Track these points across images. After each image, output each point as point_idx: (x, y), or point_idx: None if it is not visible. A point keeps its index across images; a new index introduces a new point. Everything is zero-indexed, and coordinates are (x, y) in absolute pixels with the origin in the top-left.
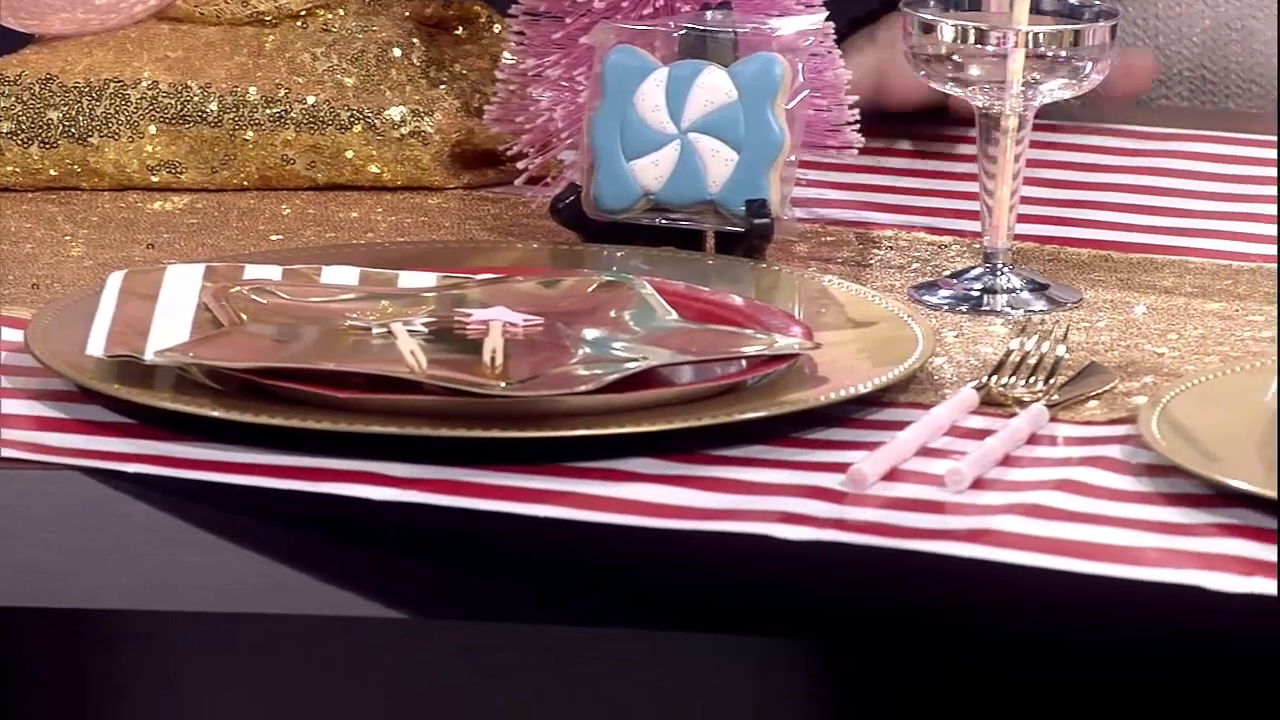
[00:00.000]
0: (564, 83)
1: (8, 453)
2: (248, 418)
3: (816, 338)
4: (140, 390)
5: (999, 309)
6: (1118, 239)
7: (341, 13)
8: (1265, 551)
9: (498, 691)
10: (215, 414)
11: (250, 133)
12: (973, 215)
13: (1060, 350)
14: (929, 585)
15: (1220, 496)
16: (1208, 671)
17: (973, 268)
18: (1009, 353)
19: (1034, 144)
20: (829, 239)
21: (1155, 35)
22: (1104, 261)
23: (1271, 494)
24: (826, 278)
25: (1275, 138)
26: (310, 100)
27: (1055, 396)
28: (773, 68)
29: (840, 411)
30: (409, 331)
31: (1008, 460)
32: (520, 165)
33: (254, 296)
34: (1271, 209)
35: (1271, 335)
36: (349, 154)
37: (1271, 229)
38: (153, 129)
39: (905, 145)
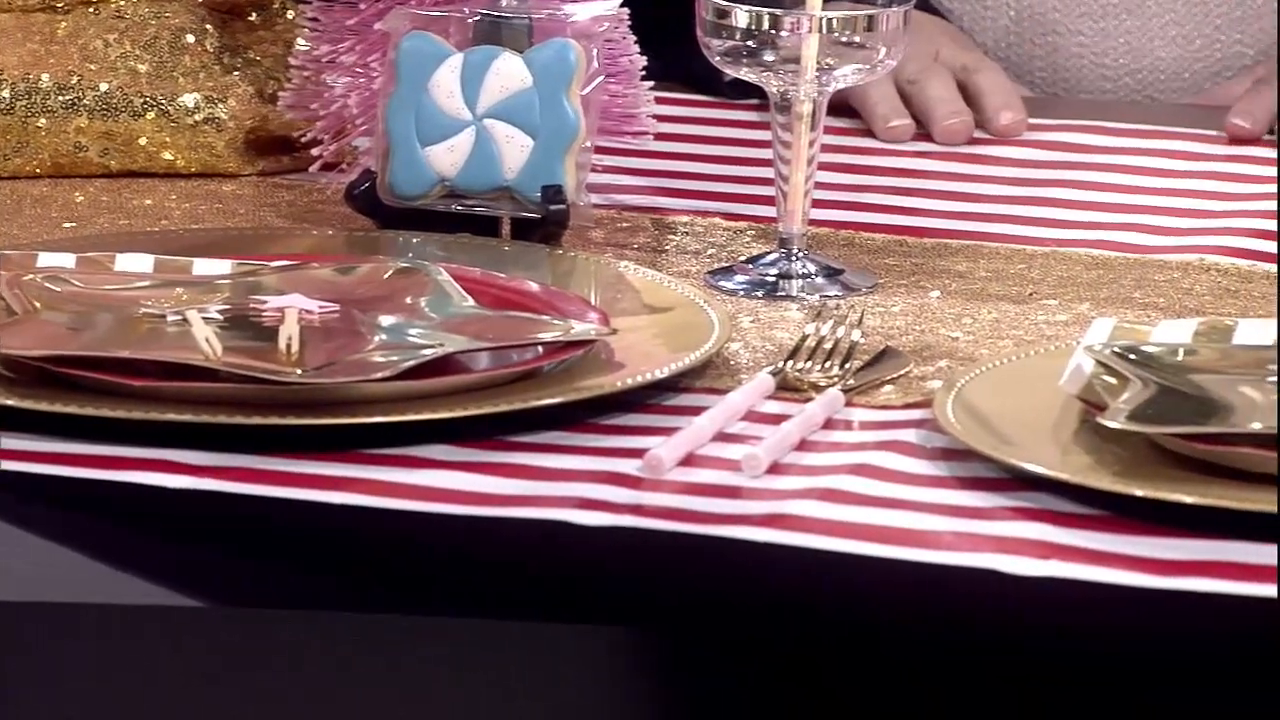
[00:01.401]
0: (359, 69)
1: None
2: (42, 406)
3: (613, 324)
4: None
5: (794, 294)
6: (912, 224)
7: None
8: (1060, 534)
9: (297, 680)
10: (9, 402)
11: (43, 120)
12: (768, 201)
13: (855, 335)
14: (726, 570)
15: (1015, 480)
16: (1003, 654)
17: (768, 253)
18: (804, 338)
19: (828, 129)
20: (625, 225)
21: (960, 19)
22: (898, 246)
23: (1065, 477)
24: (622, 263)
25: (1084, 122)
26: (103, 87)
27: (850, 381)
28: (567, 54)
29: (637, 397)
30: (204, 319)
31: (804, 445)
32: (315, 152)
33: (48, 284)
34: (1058, 192)
35: (1065, 319)
36: (142, 141)
37: (1059, 213)
38: None
39: (700, 131)
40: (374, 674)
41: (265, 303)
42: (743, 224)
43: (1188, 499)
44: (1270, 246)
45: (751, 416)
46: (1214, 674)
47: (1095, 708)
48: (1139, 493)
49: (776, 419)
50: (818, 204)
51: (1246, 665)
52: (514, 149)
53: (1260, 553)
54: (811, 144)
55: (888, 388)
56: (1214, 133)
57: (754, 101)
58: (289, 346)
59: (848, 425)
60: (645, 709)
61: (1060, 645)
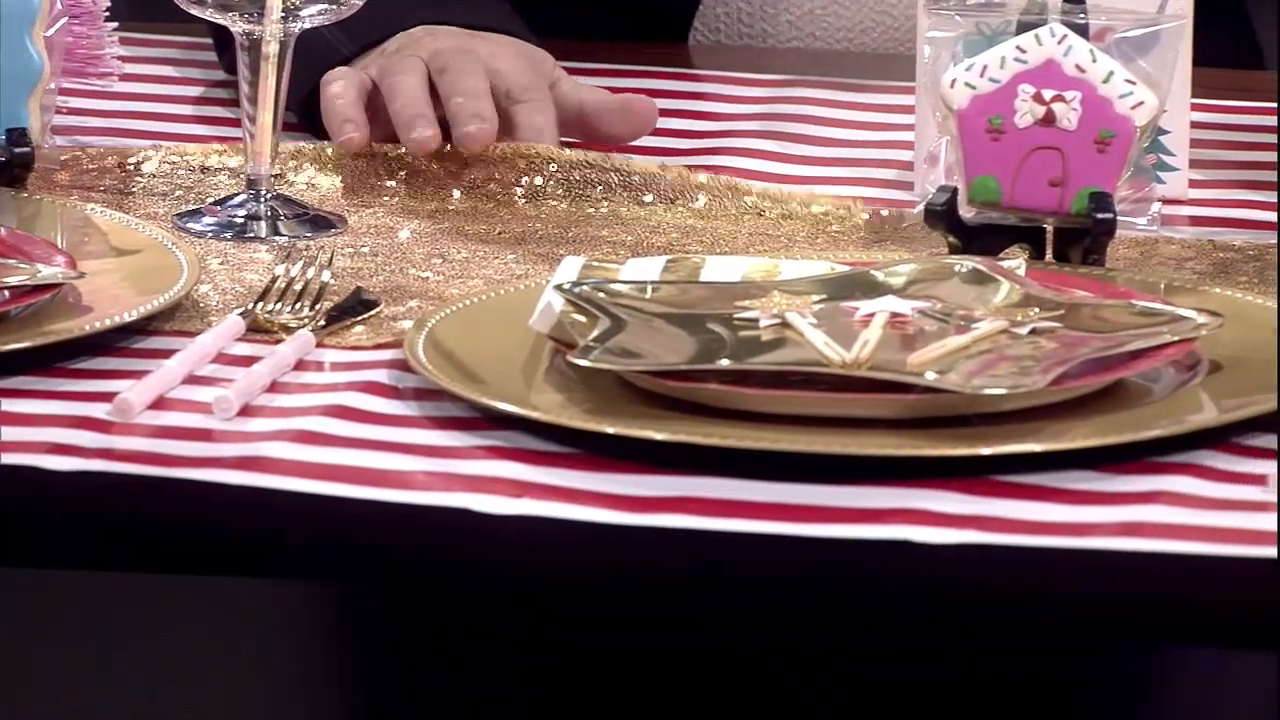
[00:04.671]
0: None
1: None
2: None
3: (80, 267)
4: None
5: (263, 235)
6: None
7: None
8: (531, 473)
9: None
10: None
11: None
12: (237, 140)
13: (325, 276)
14: (199, 512)
15: (486, 419)
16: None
17: (237, 195)
18: (274, 279)
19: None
20: (91, 168)
21: None
22: (369, 187)
23: (536, 415)
24: (90, 206)
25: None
26: None
27: (321, 322)
28: None
29: (105, 340)
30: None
31: (275, 387)
32: None
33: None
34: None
35: (535, 257)
36: None
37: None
38: None
39: (163, 72)
40: None
41: None
42: (212, 163)
43: (657, 435)
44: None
45: (222, 359)
46: (685, 612)
47: (567, 644)
48: (609, 430)
49: (247, 361)
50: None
51: (713, 601)
52: None
53: (728, 487)
54: (278, 85)
55: (359, 328)
56: (676, 69)
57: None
58: None
59: (319, 366)
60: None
61: (534, 582)
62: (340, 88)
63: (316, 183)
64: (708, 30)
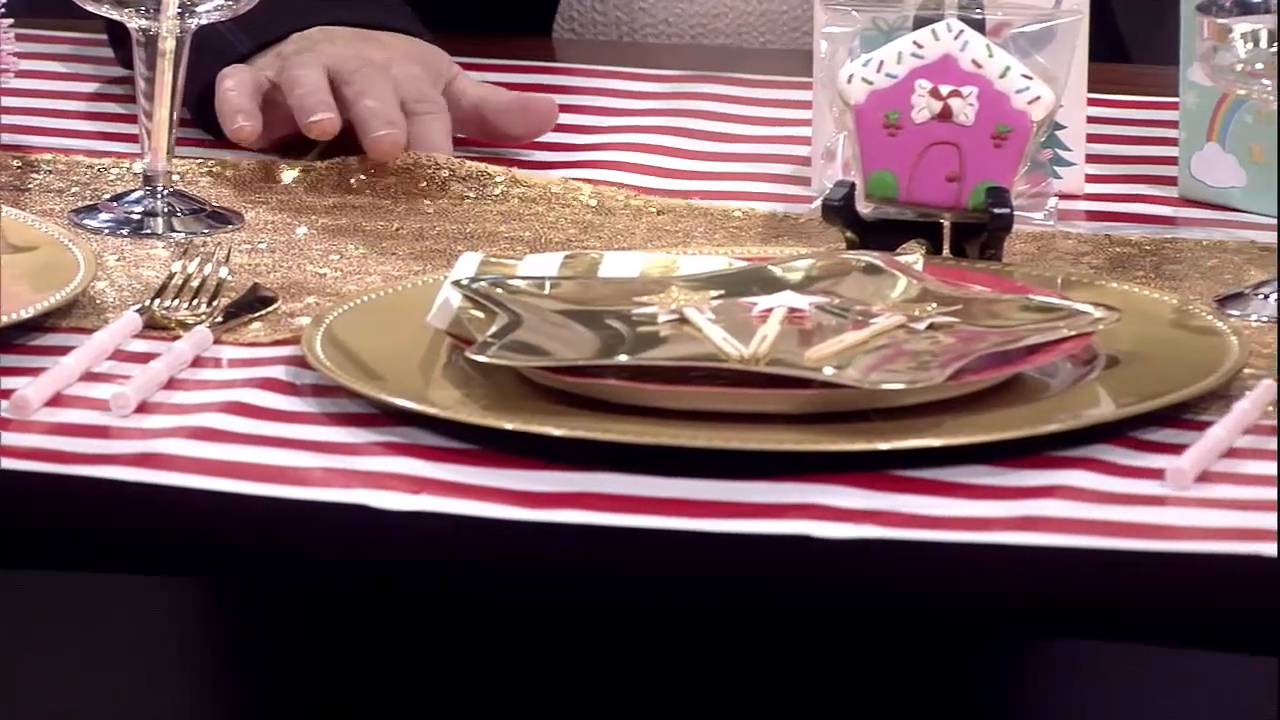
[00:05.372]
0: None
1: None
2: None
3: None
4: None
5: (160, 232)
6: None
7: None
8: (430, 469)
9: None
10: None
11: None
12: (134, 139)
13: (223, 272)
14: (95, 509)
15: (384, 415)
16: (378, 588)
17: (133, 191)
18: (171, 275)
19: None
20: None
21: None
22: (265, 184)
23: (433, 411)
24: None
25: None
26: None
27: (219, 319)
28: None
29: (2, 337)
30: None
31: (173, 383)
32: None
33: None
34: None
35: (432, 253)
36: None
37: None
38: None
39: (60, 69)
40: None
41: None
42: (107, 160)
43: (556, 431)
44: (632, 179)
45: (119, 355)
46: (583, 607)
47: (465, 639)
48: (507, 426)
49: (144, 357)
50: (183, 141)
51: (610, 597)
52: None
53: (626, 483)
54: (174, 82)
55: (256, 325)
56: (560, 64)
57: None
58: None
59: (217, 363)
60: None
61: (432, 577)
62: (234, 83)
63: (214, 178)
64: (563, 20)
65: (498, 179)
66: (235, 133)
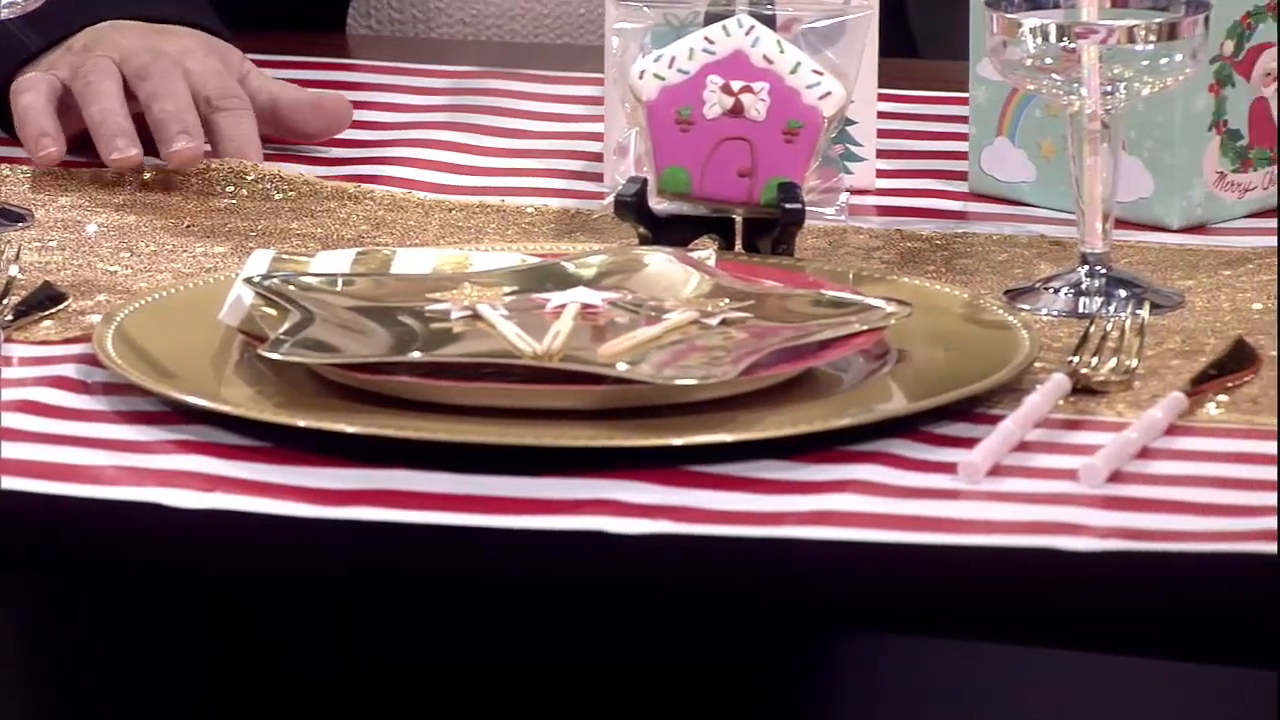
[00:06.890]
0: None
1: None
2: None
3: None
4: None
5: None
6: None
7: None
8: (223, 467)
9: None
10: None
11: None
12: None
13: (13, 270)
14: None
15: (177, 414)
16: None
17: None
18: None
19: None
20: None
21: None
22: (56, 181)
23: (226, 409)
24: None
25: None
26: None
27: (9, 317)
28: None
29: None
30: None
31: None
32: None
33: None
34: None
35: (224, 250)
36: None
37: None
38: None
39: None
40: None
41: None
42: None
43: (349, 428)
44: (424, 175)
45: None
46: (379, 605)
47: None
48: (301, 423)
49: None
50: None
51: (406, 593)
52: None
53: (421, 480)
54: None
55: (47, 323)
56: (354, 61)
57: None
58: None
59: (7, 362)
60: None
61: (226, 576)
62: (31, 98)
63: (3, 176)
64: (360, 16)
65: (289, 178)
66: (43, 158)
